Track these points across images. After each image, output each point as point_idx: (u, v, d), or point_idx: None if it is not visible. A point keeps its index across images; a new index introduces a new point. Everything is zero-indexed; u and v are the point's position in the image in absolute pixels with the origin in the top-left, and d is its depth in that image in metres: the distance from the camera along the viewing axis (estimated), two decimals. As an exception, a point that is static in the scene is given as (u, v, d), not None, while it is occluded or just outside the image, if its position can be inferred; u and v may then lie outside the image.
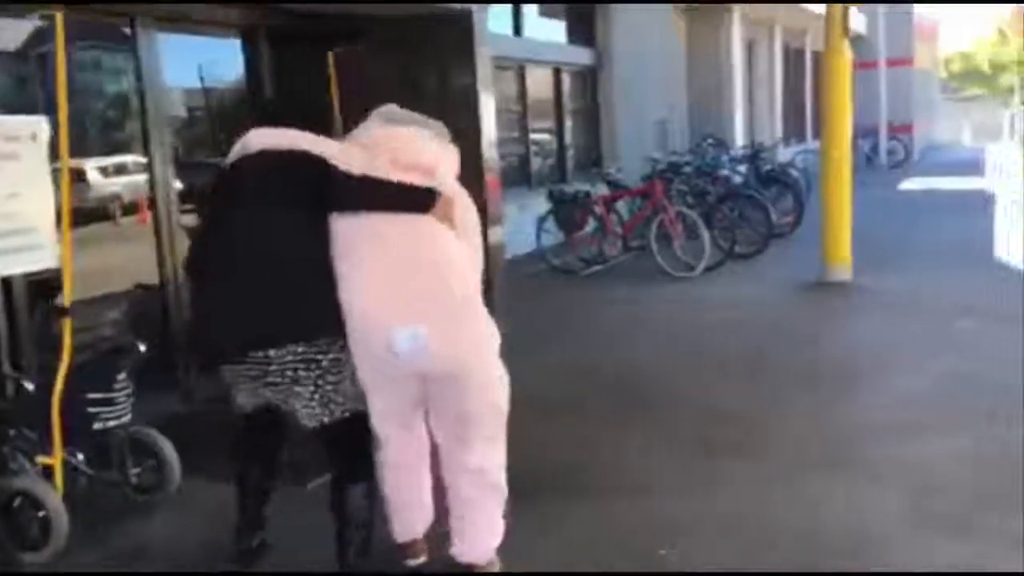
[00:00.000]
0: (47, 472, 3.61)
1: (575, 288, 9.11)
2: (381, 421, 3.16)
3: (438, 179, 3.19)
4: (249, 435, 3.32)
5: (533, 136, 11.98)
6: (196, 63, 6.74)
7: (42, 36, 5.85)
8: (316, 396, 3.01)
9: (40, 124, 4.30)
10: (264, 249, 3.01)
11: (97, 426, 3.74)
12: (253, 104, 3.97)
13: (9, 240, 4.13)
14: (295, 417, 3.10)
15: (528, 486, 3.78)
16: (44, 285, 4.58)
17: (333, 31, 6.40)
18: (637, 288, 8.83)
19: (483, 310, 3.26)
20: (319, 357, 2.99)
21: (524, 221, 10.06)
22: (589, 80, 13.30)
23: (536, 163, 12.13)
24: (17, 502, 3.54)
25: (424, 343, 2.94)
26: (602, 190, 10.24)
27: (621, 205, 10.33)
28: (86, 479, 3.94)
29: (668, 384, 5.64)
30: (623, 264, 9.89)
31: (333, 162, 3.08)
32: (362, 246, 3.03)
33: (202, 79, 6.84)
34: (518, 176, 11.67)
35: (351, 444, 3.14)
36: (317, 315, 3.00)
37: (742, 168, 11.91)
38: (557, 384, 5.74)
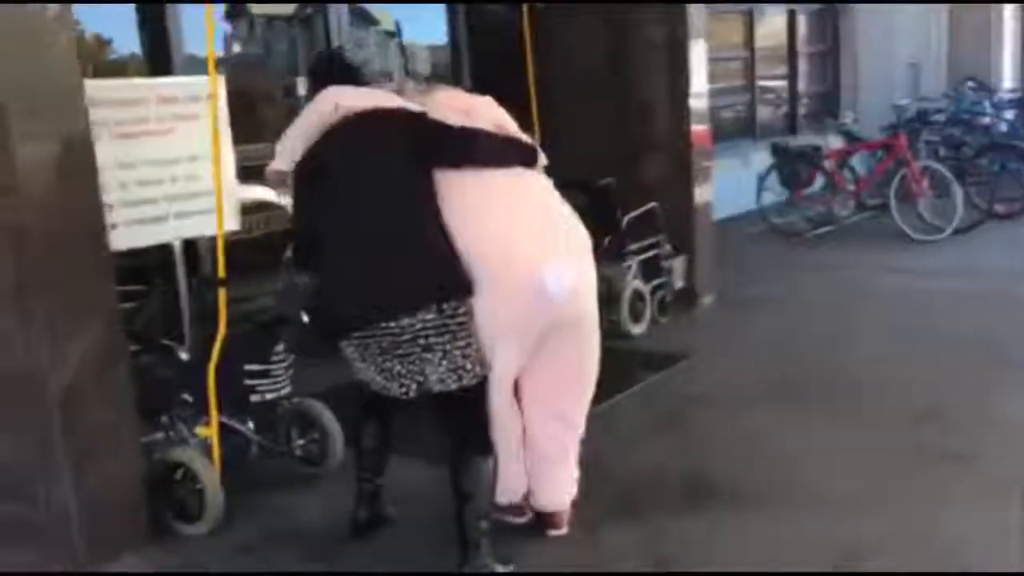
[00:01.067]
0: (209, 443, 3.58)
1: (797, 252, 8.30)
2: (499, 382, 3.06)
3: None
4: (372, 403, 3.23)
5: (762, 83, 11.06)
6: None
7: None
8: (445, 361, 2.91)
9: (220, 84, 4.29)
10: (382, 215, 2.92)
11: (255, 398, 3.68)
12: (326, 60, 3.76)
13: (192, 203, 4.18)
14: (421, 386, 2.97)
15: (712, 491, 3.48)
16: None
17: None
18: (867, 253, 7.90)
19: None
20: (448, 322, 2.88)
21: (746, 177, 9.30)
22: (829, 19, 12.09)
23: (763, 113, 11.22)
24: (178, 474, 3.53)
25: (571, 282, 2.98)
26: (836, 143, 9.26)
27: (857, 160, 9.32)
28: (257, 448, 3.91)
29: (892, 372, 4.88)
30: (856, 225, 8.92)
31: (433, 117, 3.03)
32: (485, 198, 3.01)
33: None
34: (742, 128, 10.84)
35: (477, 413, 3.03)
36: (445, 278, 2.90)
37: (1009, 114, 10.41)
38: (763, 368, 5.13)
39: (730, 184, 9.17)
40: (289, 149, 3.13)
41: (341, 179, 2.99)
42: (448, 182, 3.00)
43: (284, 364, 3.74)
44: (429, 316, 2.84)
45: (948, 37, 14.15)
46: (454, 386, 2.93)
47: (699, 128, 6.35)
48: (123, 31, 5.46)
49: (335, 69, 3.29)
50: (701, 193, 6.39)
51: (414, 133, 3.01)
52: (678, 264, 6.25)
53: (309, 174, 3.07)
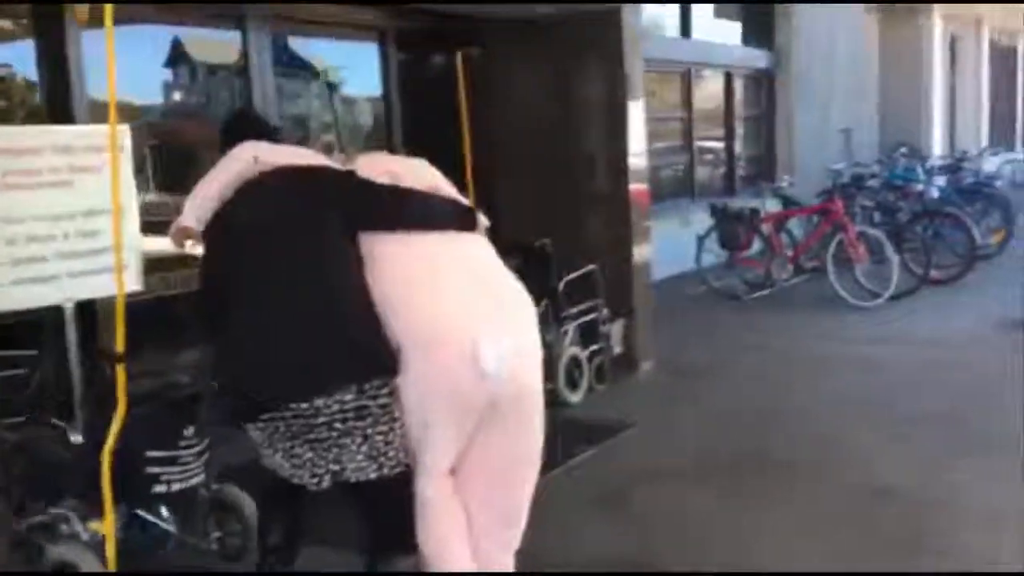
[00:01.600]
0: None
1: (736, 314, 8.17)
2: (430, 474, 2.70)
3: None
4: (278, 492, 2.83)
5: (700, 144, 11.07)
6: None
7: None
8: (364, 447, 2.58)
9: (126, 134, 3.96)
10: (298, 281, 2.61)
11: (159, 488, 3.25)
12: (240, 116, 3.53)
13: (88, 261, 3.80)
14: (337, 475, 2.62)
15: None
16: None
17: (464, 32, 5.87)
18: (807, 317, 7.80)
19: None
20: (368, 403, 2.56)
21: (685, 237, 9.18)
22: (764, 84, 12.22)
23: (702, 174, 11.21)
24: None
25: (511, 356, 2.65)
26: (773, 206, 9.22)
27: (794, 223, 9.28)
28: (174, 541, 3.45)
29: (835, 448, 4.67)
30: (794, 289, 8.84)
31: (361, 176, 2.79)
32: (415, 263, 2.73)
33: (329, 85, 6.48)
34: (680, 188, 10.80)
35: (400, 506, 2.69)
36: (367, 355, 2.58)
37: (940, 181, 10.53)
38: (705, 442, 4.89)
39: (669, 244, 9.05)
40: (198, 206, 2.85)
41: (255, 239, 2.70)
42: (375, 247, 2.73)
43: (196, 449, 3.31)
44: (347, 397, 2.53)
45: (880, 103, 14.47)
46: (373, 475, 2.61)
47: (638, 187, 6.18)
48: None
49: (249, 126, 3.05)
50: (640, 254, 6.20)
51: (340, 192, 2.76)
52: (616, 328, 6.02)
53: (221, 231, 2.78)
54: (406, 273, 2.71)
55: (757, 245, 9.06)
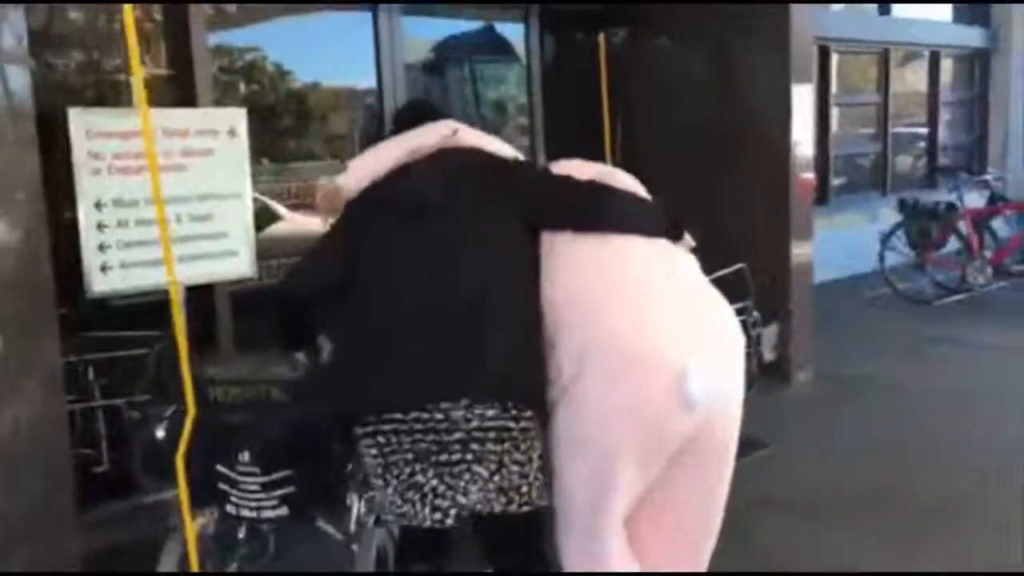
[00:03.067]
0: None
1: (921, 321, 7.31)
2: (612, 514, 2.25)
3: None
4: (412, 544, 2.40)
5: (897, 131, 10.09)
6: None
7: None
8: (497, 478, 2.18)
9: (239, 118, 3.94)
10: (460, 275, 2.24)
11: (229, 509, 2.84)
12: (413, 104, 3.19)
13: (200, 245, 3.82)
14: (461, 510, 2.23)
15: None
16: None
17: (610, 12, 5.51)
18: (1007, 330, 6.85)
19: None
20: (511, 425, 2.17)
21: (872, 234, 8.37)
22: (977, 65, 10.99)
23: (897, 165, 10.23)
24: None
25: (720, 388, 2.29)
26: (973, 201, 8.24)
27: (999, 222, 8.25)
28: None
29: (1011, 499, 4.00)
30: (994, 296, 7.85)
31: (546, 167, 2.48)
32: (617, 269, 2.32)
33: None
34: (871, 180, 9.90)
35: (532, 546, 2.31)
36: (519, 369, 2.19)
37: None
38: (858, 472, 4.34)
39: (852, 241, 8.32)
40: (368, 165, 2.49)
41: (412, 221, 2.32)
42: (561, 247, 2.34)
43: (258, 480, 2.77)
44: (490, 412, 2.14)
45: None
46: (498, 509, 2.21)
47: (802, 178, 5.61)
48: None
49: (423, 114, 2.64)
50: (801, 251, 5.62)
51: (527, 185, 2.42)
52: (769, 333, 5.48)
53: (369, 203, 2.42)
54: (598, 280, 2.31)
55: (952, 244, 8.13)
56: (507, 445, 2.17)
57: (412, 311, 2.22)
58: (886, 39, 9.63)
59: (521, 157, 2.54)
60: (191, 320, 4.06)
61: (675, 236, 2.51)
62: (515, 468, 2.19)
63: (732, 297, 5.21)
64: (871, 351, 6.38)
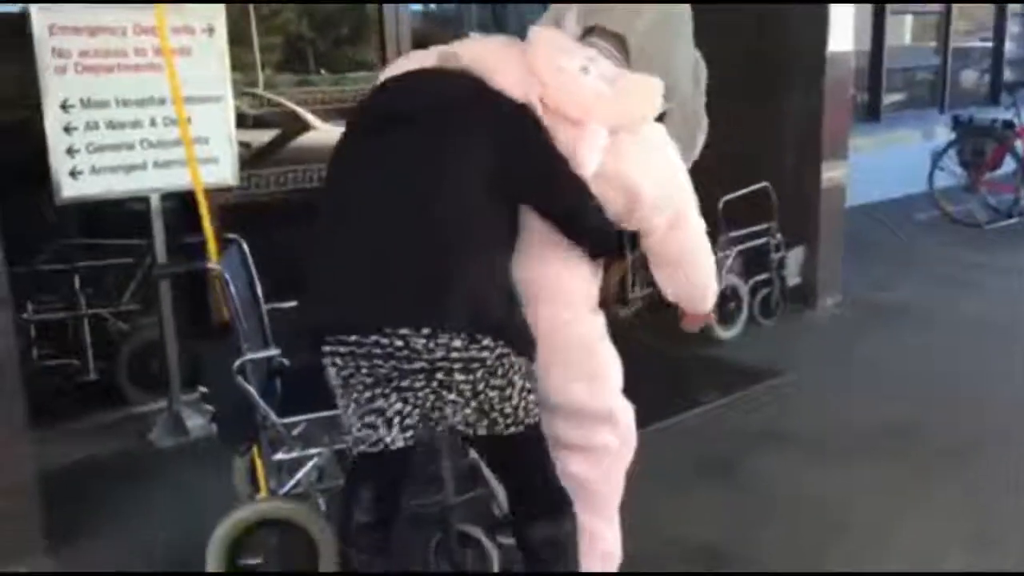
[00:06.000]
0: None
1: (968, 246, 6.89)
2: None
3: None
4: (363, 468, 2.21)
5: (959, 44, 9.45)
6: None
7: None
8: (473, 403, 2.04)
9: (218, 15, 3.69)
10: (408, 190, 2.01)
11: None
12: None
13: (174, 150, 3.62)
14: (435, 426, 2.14)
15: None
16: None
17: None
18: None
19: None
20: (484, 355, 1.98)
21: (927, 151, 7.88)
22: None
23: (960, 79, 9.61)
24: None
25: None
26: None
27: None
28: None
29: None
30: (1049, 221, 7.38)
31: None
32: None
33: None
34: (929, 95, 9.32)
35: (523, 467, 2.19)
36: (488, 298, 2.00)
37: None
38: (878, 403, 4.08)
39: (905, 160, 7.85)
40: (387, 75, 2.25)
41: (378, 134, 2.09)
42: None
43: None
44: (456, 343, 1.95)
45: None
46: (482, 432, 2.09)
47: (837, 100, 5.20)
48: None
49: None
50: (832, 175, 5.26)
51: (516, 146, 2.07)
52: (794, 257, 5.18)
53: (354, 119, 2.22)
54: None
55: (1008, 166, 7.62)
56: (480, 374, 1.99)
57: (372, 229, 2.01)
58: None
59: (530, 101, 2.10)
60: (175, 230, 3.94)
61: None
62: (493, 393, 2.03)
63: (755, 217, 4.96)
64: (909, 277, 6.03)
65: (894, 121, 8.70)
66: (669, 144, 2.15)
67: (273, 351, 2.61)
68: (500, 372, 2.01)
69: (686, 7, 2.26)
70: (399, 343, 1.94)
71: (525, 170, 2.06)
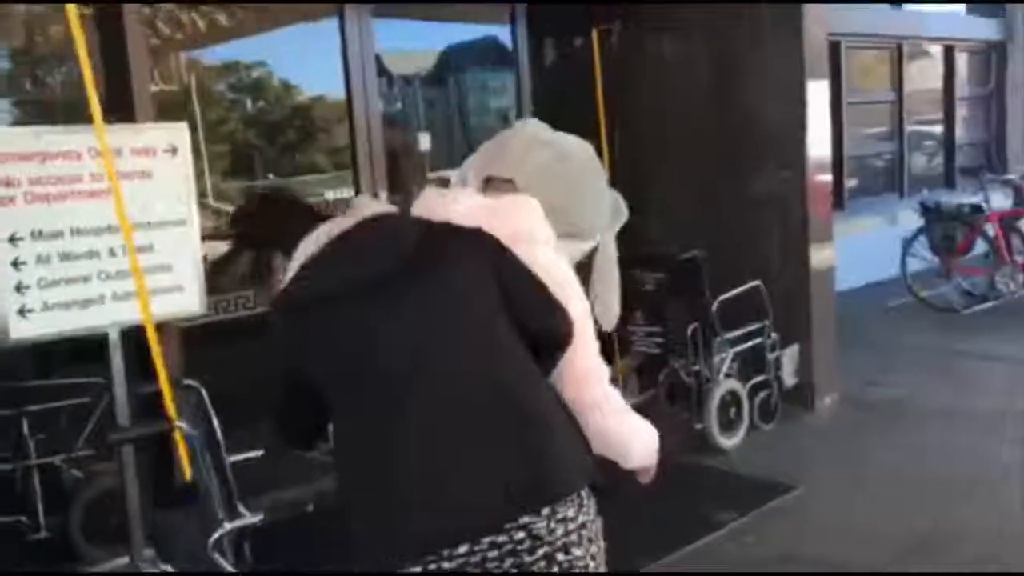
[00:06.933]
0: None
1: (949, 332, 6.78)
2: None
3: None
4: None
5: (912, 129, 9.59)
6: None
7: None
8: None
9: (180, 135, 3.45)
10: (471, 354, 1.71)
11: None
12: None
13: (133, 281, 3.31)
14: None
15: None
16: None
17: (605, 7, 5.02)
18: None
19: None
20: (586, 518, 1.69)
21: (891, 238, 7.87)
22: (994, 59, 10.49)
23: (914, 165, 9.72)
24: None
25: None
26: (1000, 202, 7.73)
27: (1027, 223, 7.75)
28: None
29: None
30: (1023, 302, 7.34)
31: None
32: None
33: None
34: (887, 181, 9.41)
35: None
36: (578, 440, 1.73)
37: None
38: (898, 517, 3.84)
39: (870, 247, 7.80)
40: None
41: (368, 299, 1.72)
42: None
43: None
44: (570, 513, 1.65)
45: None
46: None
47: (818, 181, 5.11)
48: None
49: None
50: (820, 260, 5.12)
51: (497, 265, 1.81)
52: (789, 355, 4.98)
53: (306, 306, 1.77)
54: None
55: (979, 248, 7.61)
56: (594, 548, 1.69)
57: (427, 411, 1.65)
58: (899, 33, 9.14)
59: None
60: (135, 363, 3.61)
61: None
62: (593, 564, 1.69)
63: (747, 317, 4.78)
64: (897, 368, 5.87)
65: (857, 208, 8.70)
66: (559, 267, 1.89)
67: (252, 518, 2.26)
68: (595, 530, 1.71)
69: (588, 147, 2.07)
70: (520, 535, 1.60)
71: (523, 291, 1.79)
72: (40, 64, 4.64)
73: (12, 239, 3.07)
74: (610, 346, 4.90)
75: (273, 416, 1.85)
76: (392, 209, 1.88)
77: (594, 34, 4.65)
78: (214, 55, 5.10)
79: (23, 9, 4.39)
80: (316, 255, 1.77)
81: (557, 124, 2.02)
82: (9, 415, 3.70)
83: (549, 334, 1.78)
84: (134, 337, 3.56)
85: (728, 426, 4.57)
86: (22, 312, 3.10)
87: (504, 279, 1.77)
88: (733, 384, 4.62)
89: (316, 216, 2.00)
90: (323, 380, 1.73)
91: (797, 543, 3.57)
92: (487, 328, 1.73)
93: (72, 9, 2.96)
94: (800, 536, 3.64)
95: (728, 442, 4.54)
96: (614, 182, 2.09)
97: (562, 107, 5.24)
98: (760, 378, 4.80)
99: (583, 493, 1.67)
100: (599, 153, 4.47)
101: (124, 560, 3.44)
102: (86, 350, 3.60)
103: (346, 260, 1.75)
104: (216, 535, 2.08)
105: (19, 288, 3.10)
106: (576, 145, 2.08)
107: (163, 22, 4.82)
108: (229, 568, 2.11)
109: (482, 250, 1.78)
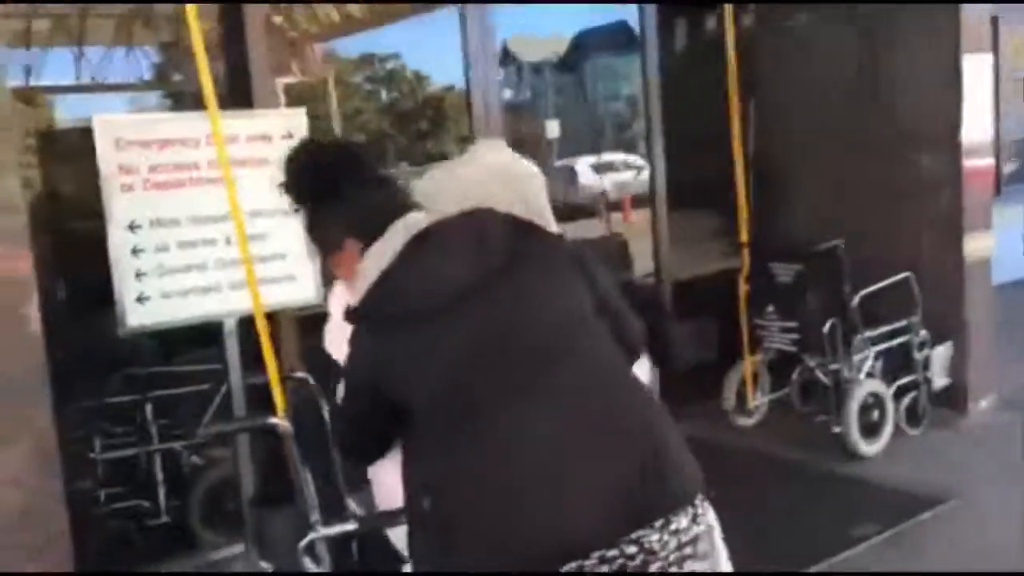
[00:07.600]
0: None
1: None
2: None
3: None
4: None
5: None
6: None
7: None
8: None
9: (298, 120, 3.39)
10: (582, 361, 1.63)
11: None
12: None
13: (256, 269, 3.29)
14: None
15: None
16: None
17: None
18: None
19: None
20: (700, 529, 1.60)
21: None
22: None
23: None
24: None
25: None
26: None
27: None
28: None
29: None
30: None
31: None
32: None
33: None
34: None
35: None
36: (684, 449, 1.65)
37: None
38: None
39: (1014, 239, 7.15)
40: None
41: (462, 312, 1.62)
42: None
43: None
44: (684, 523, 1.57)
45: None
46: None
47: (978, 165, 4.67)
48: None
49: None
50: (976, 250, 4.68)
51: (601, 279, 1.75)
52: (940, 355, 4.57)
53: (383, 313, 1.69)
54: None
55: None
56: (708, 563, 1.59)
57: (539, 420, 1.57)
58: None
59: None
60: (253, 352, 3.59)
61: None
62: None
63: (893, 313, 4.42)
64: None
65: (1016, 194, 8.03)
66: None
67: (350, 525, 2.13)
68: (712, 542, 1.61)
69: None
70: (632, 550, 1.51)
71: (614, 299, 1.73)
72: (187, 58, 4.75)
73: (131, 226, 3.09)
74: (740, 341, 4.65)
75: (345, 427, 1.81)
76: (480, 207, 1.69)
77: (727, 9, 4.36)
78: (349, 47, 5.11)
79: (170, 9, 4.47)
80: (397, 262, 1.65)
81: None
82: (134, 400, 3.76)
83: (632, 341, 1.73)
84: (251, 326, 3.58)
85: (870, 431, 4.22)
86: (140, 300, 3.12)
87: (597, 287, 1.69)
88: (876, 385, 4.26)
89: (380, 179, 1.91)
90: (412, 397, 1.62)
91: (948, 563, 3.23)
92: (594, 336, 1.64)
93: (192, 9, 2.97)
94: (951, 556, 3.30)
95: (869, 448, 4.19)
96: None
97: (692, 93, 4.99)
98: (907, 379, 4.42)
99: (696, 502, 1.57)
100: (728, 142, 4.23)
101: (239, 548, 3.45)
102: (208, 335, 3.62)
103: (433, 270, 1.63)
104: (306, 540, 1.97)
105: (137, 275, 3.11)
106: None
107: (300, 15, 4.84)
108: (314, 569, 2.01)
109: (572, 255, 1.69)
